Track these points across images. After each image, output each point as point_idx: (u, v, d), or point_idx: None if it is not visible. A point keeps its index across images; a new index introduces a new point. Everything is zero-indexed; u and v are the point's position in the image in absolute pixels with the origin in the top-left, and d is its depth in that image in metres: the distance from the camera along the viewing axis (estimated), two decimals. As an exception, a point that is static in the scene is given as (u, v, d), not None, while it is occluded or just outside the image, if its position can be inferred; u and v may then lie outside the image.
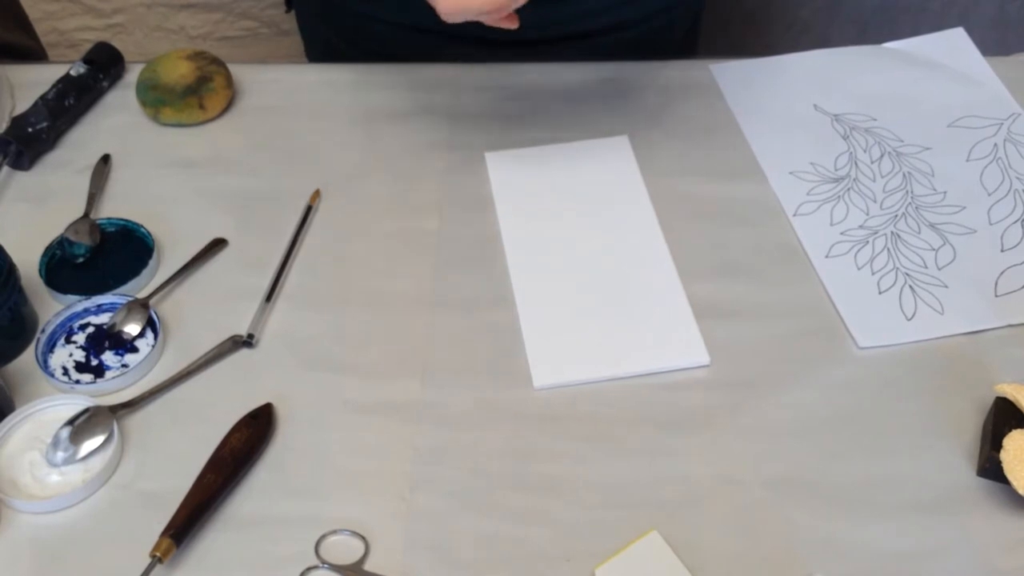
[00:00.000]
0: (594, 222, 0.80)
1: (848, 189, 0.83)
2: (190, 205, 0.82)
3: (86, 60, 0.91)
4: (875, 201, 0.81)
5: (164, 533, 0.59)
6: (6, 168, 0.85)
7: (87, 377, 0.70)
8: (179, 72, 0.88)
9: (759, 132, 0.87)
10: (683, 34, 1.04)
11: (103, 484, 0.64)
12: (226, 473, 0.63)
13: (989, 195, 0.82)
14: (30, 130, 0.85)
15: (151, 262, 0.76)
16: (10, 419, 0.66)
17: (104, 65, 0.91)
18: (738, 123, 0.88)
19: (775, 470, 0.64)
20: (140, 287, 0.76)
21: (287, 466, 0.65)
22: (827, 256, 0.77)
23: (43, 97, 0.88)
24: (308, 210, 0.81)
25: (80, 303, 0.73)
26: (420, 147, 0.87)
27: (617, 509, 0.62)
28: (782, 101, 0.90)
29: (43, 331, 0.71)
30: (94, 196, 0.82)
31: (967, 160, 0.85)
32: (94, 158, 0.86)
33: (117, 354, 0.71)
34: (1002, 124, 0.88)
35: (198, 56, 0.90)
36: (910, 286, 0.75)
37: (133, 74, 0.93)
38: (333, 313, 0.74)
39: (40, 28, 1.25)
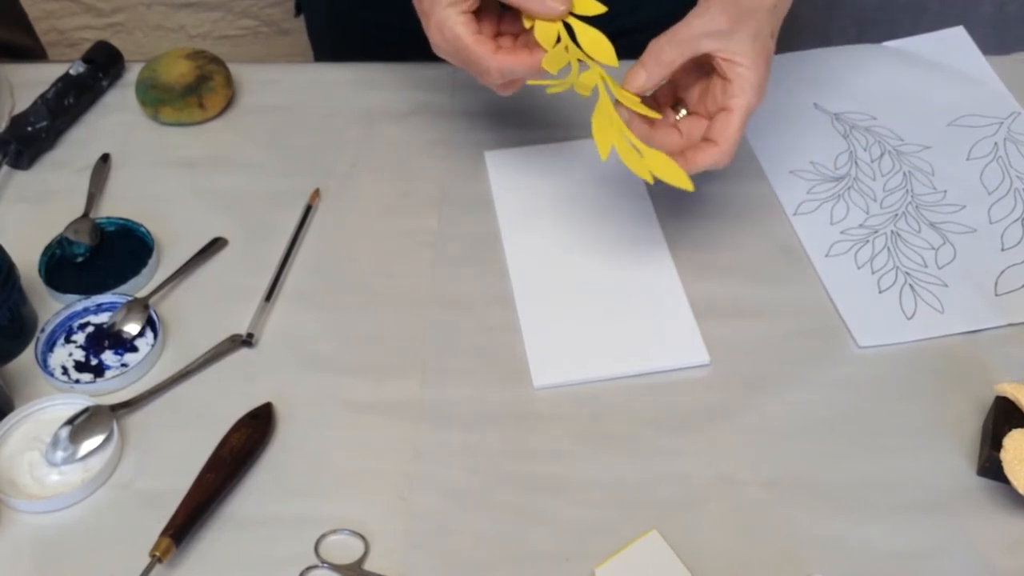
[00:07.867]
0: (594, 221, 0.80)
1: (848, 188, 0.82)
2: (190, 205, 0.82)
3: (86, 59, 0.91)
4: (875, 200, 0.81)
5: (163, 533, 0.59)
6: (6, 168, 0.85)
7: (87, 377, 0.70)
8: (179, 71, 0.88)
9: (759, 131, 0.87)
10: None
11: (102, 484, 0.64)
12: (226, 473, 0.63)
13: (989, 194, 0.82)
14: (29, 129, 0.85)
15: (151, 261, 0.76)
16: (10, 419, 0.66)
17: (104, 64, 0.91)
18: (738, 122, 0.88)
19: (775, 470, 0.64)
20: (140, 287, 0.76)
21: (287, 466, 0.65)
22: (827, 255, 0.77)
23: (43, 96, 0.87)
24: (308, 210, 0.81)
25: (80, 302, 0.73)
26: (420, 146, 0.87)
27: (617, 509, 0.62)
28: (782, 100, 0.90)
29: (42, 330, 0.71)
30: (94, 195, 0.82)
31: (967, 159, 0.85)
32: (94, 157, 0.86)
33: (117, 354, 0.71)
34: (1002, 123, 0.87)
35: (198, 55, 0.90)
36: (910, 285, 0.75)
37: (133, 73, 0.93)
38: (333, 313, 0.74)
39: (40, 27, 1.25)
